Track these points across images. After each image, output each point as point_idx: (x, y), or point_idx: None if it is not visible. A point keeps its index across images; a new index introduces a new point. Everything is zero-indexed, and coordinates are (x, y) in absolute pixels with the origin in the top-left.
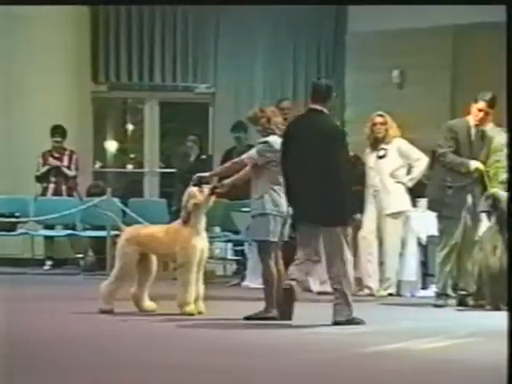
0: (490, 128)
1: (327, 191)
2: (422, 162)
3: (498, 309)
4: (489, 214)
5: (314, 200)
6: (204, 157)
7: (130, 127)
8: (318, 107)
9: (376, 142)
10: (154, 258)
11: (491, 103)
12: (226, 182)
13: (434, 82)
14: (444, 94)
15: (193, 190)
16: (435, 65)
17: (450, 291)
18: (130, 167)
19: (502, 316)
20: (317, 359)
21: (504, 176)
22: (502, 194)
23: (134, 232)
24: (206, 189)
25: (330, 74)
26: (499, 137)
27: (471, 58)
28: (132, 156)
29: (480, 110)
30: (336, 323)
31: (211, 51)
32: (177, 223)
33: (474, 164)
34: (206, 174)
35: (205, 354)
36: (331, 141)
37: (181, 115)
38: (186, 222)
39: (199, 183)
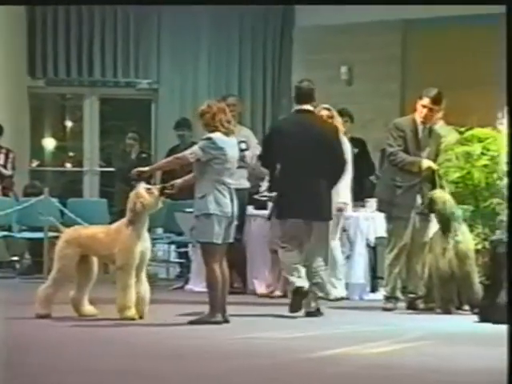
0: (439, 126)
1: (321, 186)
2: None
3: (448, 312)
4: (424, 215)
5: (309, 195)
6: (144, 155)
7: (69, 124)
8: (306, 107)
9: None
10: (94, 260)
11: (435, 99)
12: (177, 182)
13: (383, 79)
14: (393, 91)
15: (140, 190)
16: (384, 61)
17: (399, 294)
18: (68, 166)
19: (451, 319)
20: (263, 364)
21: (455, 175)
22: (441, 196)
23: (74, 233)
24: (155, 189)
25: (277, 69)
26: (450, 136)
27: (421, 54)
28: (71, 154)
29: (424, 107)
30: (307, 314)
31: (154, 46)
32: (118, 224)
33: (426, 163)
34: (146, 168)
35: (146, 359)
36: (327, 138)
37: (122, 112)
38: (131, 223)
39: (139, 178)
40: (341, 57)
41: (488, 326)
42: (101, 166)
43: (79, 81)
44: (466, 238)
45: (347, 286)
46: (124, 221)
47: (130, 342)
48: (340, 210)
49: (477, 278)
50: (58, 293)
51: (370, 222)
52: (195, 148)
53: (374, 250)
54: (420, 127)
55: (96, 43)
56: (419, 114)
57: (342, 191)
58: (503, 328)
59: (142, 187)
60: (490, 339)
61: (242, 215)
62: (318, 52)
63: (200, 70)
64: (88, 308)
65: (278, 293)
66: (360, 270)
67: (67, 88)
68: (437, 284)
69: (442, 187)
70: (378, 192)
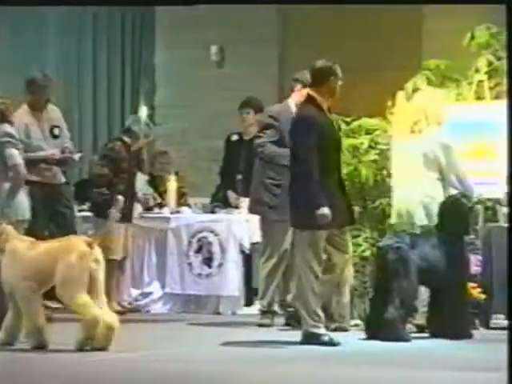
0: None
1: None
2: None
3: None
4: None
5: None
6: None
7: None
8: (310, 92)
9: None
10: None
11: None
12: None
13: (259, 61)
14: (271, 75)
15: None
16: (260, 41)
17: (277, 308)
18: None
19: (335, 336)
20: None
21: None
22: None
23: None
24: None
25: (137, 50)
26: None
27: (301, 35)
28: None
29: (304, 92)
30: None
31: None
32: None
33: None
34: None
35: None
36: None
37: None
38: None
39: None
40: (210, 35)
41: (375, 344)
42: None
43: None
44: None
45: (218, 299)
46: None
47: None
48: None
49: (347, 288)
50: None
51: (245, 225)
52: None
53: (248, 257)
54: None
55: None
56: (295, 101)
57: None
58: (391, 346)
59: None
60: (377, 358)
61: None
62: (184, 30)
63: (49, 49)
64: None
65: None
66: (233, 281)
67: None
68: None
69: None
70: (252, 192)
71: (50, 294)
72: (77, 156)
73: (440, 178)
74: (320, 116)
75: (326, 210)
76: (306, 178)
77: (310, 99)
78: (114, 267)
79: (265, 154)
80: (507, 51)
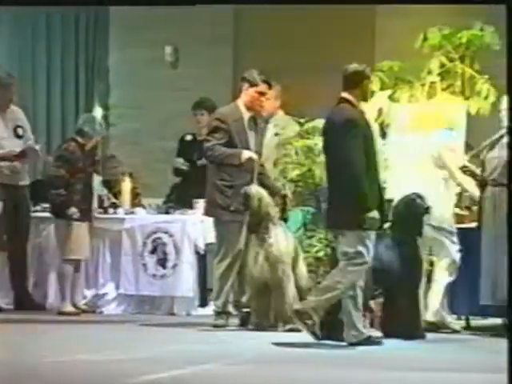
0: (278, 117)
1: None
2: None
3: (261, 328)
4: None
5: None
6: None
7: None
8: (344, 95)
9: None
10: None
11: (263, 83)
12: None
13: (213, 61)
14: (225, 75)
15: None
16: (214, 41)
17: (231, 309)
18: None
19: (291, 336)
20: None
21: (294, 173)
22: (257, 193)
23: None
24: None
25: (91, 52)
26: (289, 128)
27: (255, 34)
28: None
29: (254, 92)
30: None
31: None
32: None
33: (246, 154)
34: None
35: None
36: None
37: None
38: None
39: None
40: (164, 36)
41: (329, 344)
42: None
43: None
44: (279, 240)
45: (173, 299)
46: None
47: None
48: None
49: (292, 288)
50: None
51: (199, 225)
52: None
53: (203, 258)
54: (246, 117)
55: None
56: (246, 102)
57: None
58: (345, 345)
59: None
60: (331, 358)
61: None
62: (138, 30)
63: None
64: None
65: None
66: (188, 282)
67: None
68: (250, 295)
69: (266, 183)
70: (206, 193)
71: None
72: (38, 146)
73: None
74: (360, 117)
75: (376, 214)
76: (356, 181)
77: (344, 101)
78: (77, 267)
79: (214, 157)
80: (507, 51)
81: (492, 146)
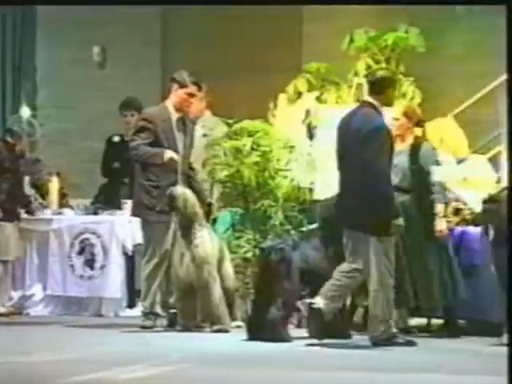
0: (206, 117)
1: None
2: None
3: (187, 329)
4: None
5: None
6: None
7: None
8: (370, 99)
9: None
10: None
11: (191, 84)
12: None
13: (141, 62)
14: (153, 76)
15: None
16: (142, 41)
17: (159, 310)
18: None
19: (218, 338)
20: None
21: (223, 174)
22: (182, 193)
23: None
24: None
25: (17, 52)
26: (217, 128)
27: (183, 35)
28: None
29: (184, 94)
30: None
31: None
32: None
33: (169, 154)
34: None
35: None
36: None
37: None
38: None
39: None
40: (92, 36)
41: (257, 345)
42: None
43: None
44: (205, 241)
45: (101, 300)
46: None
47: None
48: None
49: (218, 289)
50: None
51: (127, 226)
52: None
53: (131, 258)
54: (174, 117)
55: None
56: (173, 102)
57: None
58: (273, 346)
59: None
60: (258, 359)
61: None
62: (66, 29)
63: None
64: None
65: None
66: (115, 283)
67: None
68: (176, 296)
69: (195, 188)
70: (133, 194)
71: None
72: None
73: None
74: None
75: (401, 221)
76: (384, 187)
77: (368, 105)
78: (5, 268)
79: (138, 156)
80: (507, 51)
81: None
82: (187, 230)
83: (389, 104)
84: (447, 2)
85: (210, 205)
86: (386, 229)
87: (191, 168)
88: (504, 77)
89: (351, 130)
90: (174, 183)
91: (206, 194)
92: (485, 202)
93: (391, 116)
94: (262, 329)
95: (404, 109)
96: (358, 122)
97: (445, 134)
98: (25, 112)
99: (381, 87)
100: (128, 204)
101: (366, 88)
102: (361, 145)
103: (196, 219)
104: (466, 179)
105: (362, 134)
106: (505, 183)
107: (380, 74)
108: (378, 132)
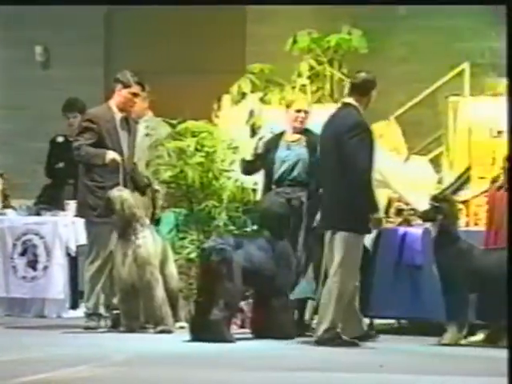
0: (148, 118)
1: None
2: None
3: (131, 330)
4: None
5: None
6: None
7: None
8: (350, 101)
9: None
10: None
11: (135, 84)
12: None
13: (84, 62)
14: (96, 77)
15: None
16: (85, 41)
17: (102, 311)
18: None
19: (160, 339)
20: None
21: (167, 174)
22: (119, 196)
23: None
24: None
25: None
26: (161, 129)
27: (127, 36)
28: None
29: (127, 93)
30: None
31: None
32: None
33: (111, 154)
34: None
35: None
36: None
37: None
38: None
39: None
40: (35, 35)
41: (200, 346)
42: None
43: None
44: (147, 242)
45: (43, 302)
46: None
47: None
48: None
49: (161, 290)
50: None
51: (71, 227)
52: None
53: (74, 259)
54: (118, 117)
55: None
56: (116, 102)
57: None
58: (216, 347)
59: None
60: (202, 360)
61: None
62: (8, 28)
63: None
64: None
65: None
66: (59, 284)
67: None
68: (119, 297)
69: (136, 179)
70: (78, 194)
71: None
72: None
73: None
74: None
75: (381, 215)
76: (366, 185)
77: (349, 106)
78: None
79: (81, 156)
80: (507, 51)
81: None
82: (128, 230)
83: (367, 106)
84: (447, 2)
85: (155, 191)
86: (366, 224)
87: (134, 164)
88: (445, 78)
89: (334, 129)
90: (118, 184)
91: (148, 181)
92: (432, 199)
93: None
94: (204, 329)
95: None
96: (341, 121)
97: (384, 131)
98: None
99: (365, 89)
100: (71, 205)
101: (347, 89)
102: (343, 143)
103: (136, 219)
104: (407, 179)
105: (342, 130)
106: (446, 184)
107: (363, 76)
108: (358, 128)
